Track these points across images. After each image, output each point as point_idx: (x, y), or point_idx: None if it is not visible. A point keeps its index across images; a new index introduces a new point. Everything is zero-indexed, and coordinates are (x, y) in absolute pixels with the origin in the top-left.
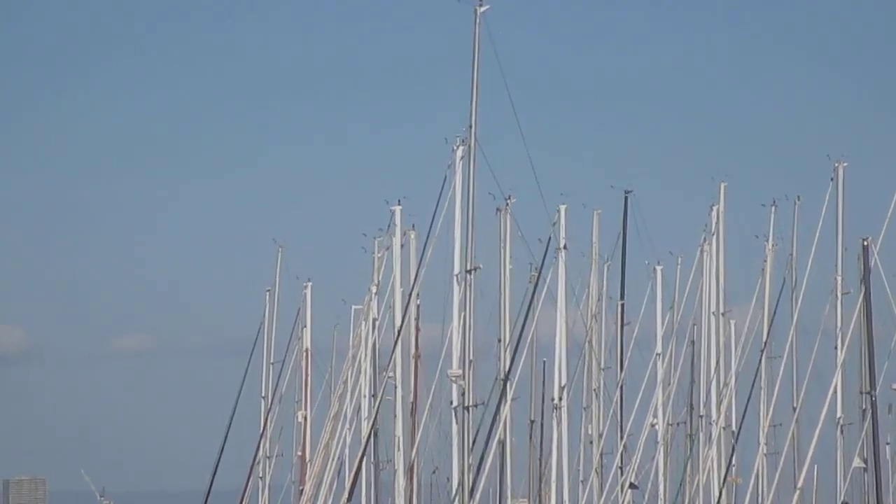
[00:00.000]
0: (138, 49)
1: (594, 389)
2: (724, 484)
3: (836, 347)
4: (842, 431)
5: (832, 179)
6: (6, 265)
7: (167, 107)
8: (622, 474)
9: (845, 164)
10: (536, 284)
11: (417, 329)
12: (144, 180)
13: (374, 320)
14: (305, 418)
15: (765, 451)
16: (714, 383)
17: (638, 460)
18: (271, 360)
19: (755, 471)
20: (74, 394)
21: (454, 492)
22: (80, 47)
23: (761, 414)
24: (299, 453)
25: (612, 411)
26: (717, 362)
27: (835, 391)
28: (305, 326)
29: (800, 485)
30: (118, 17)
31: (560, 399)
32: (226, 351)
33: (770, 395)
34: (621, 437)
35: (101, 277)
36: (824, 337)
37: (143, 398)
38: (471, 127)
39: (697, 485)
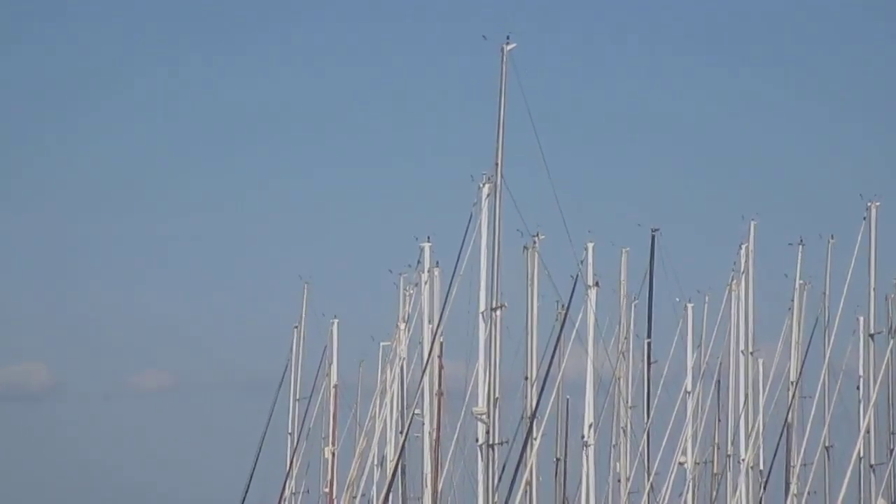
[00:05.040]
0: (149, 73)
1: (622, 428)
2: None
3: (857, 388)
4: (874, 471)
5: (864, 219)
6: (27, 302)
7: (181, 135)
8: None
9: (878, 204)
10: (564, 322)
11: (441, 366)
12: (160, 212)
13: (403, 357)
14: (333, 454)
15: (795, 492)
16: (743, 422)
17: (667, 499)
18: (297, 397)
19: None
20: (97, 431)
21: None
22: (90, 70)
23: (792, 453)
24: (326, 490)
25: (639, 450)
26: (746, 401)
27: (863, 430)
28: (332, 363)
29: None
30: (125, 40)
31: (589, 437)
32: (246, 388)
33: (801, 434)
34: (648, 476)
35: (117, 313)
36: (854, 377)
37: (165, 435)
38: (497, 164)
39: None
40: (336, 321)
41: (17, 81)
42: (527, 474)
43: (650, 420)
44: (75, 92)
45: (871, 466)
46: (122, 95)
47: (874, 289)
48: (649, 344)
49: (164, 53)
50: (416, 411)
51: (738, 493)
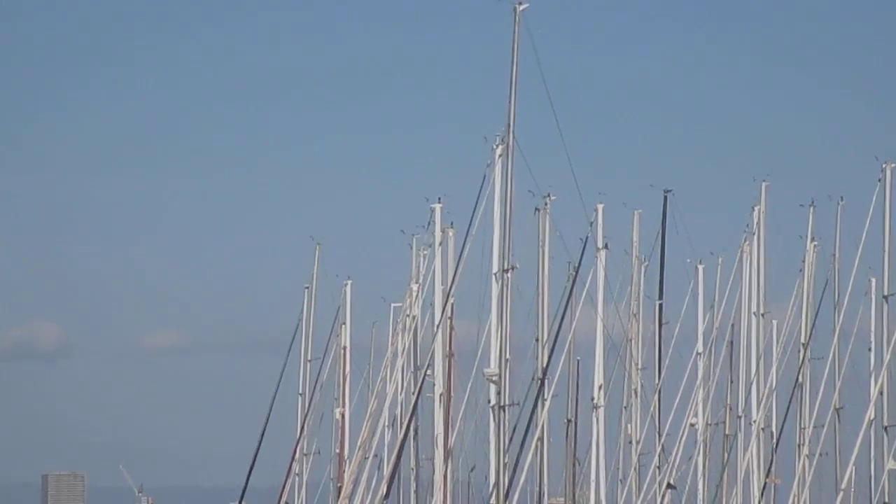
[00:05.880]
0: (166, 36)
1: (633, 389)
2: (764, 486)
3: (869, 349)
4: (886, 432)
5: (879, 181)
6: (36, 262)
7: (198, 99)
8: (660, 474)
9: (893, 166)
10: (574, 283)
11: (451, 328)
12: (174, 173)
13: (415, 317)
14: (343, 415)
15: (807, 453)
16: (755, 384)
17: (677, 460)
18: (309, 358)
19: (799, 472)
20: (109, 390)
21: (490, 490)
22: (105, 30)
23: (805, 415)
24: (337, 450)
25: (650, 411)
26: (758, 363)
27: (877, 392)
28: (344, 324)
29: (843, 486)
30: (137, 8)
31: (599, 398)
32: (257, 348)
33: (814, 396)
34: (659, 437)
35: (128, 273)
36: (865, 338)
37: (177, 394)
38: (509, 125)
39: (736, 485)
40: (349, 282)
41: (29, 41)
42: (538, 433)
43: (661, 381)
44: (92, 52)
45: (884, 428)
46: (138, 57)
47: (888, 250)
48: (661, 305)
49: (184, 16)
50: (428, 372)
51: (749, 454)
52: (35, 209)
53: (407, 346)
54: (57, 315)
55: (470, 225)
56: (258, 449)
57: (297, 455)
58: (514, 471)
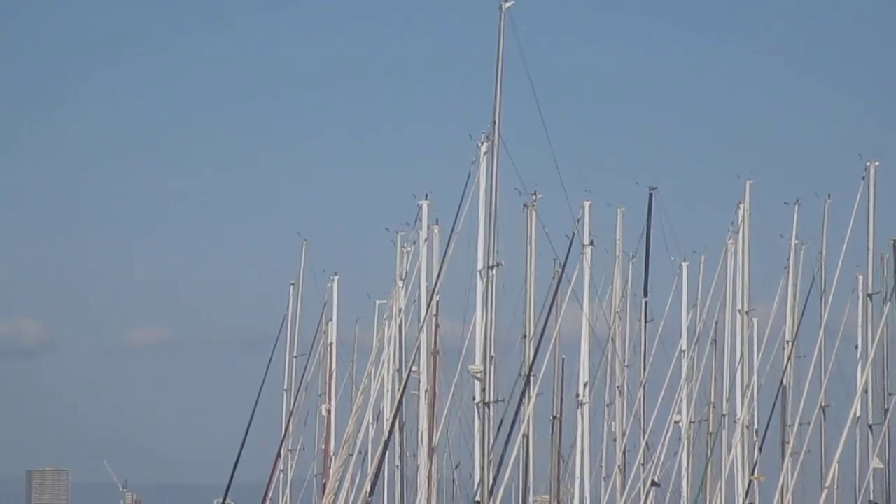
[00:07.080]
0: (160, 36)
1: (618, 387)
2: (749, 483)
3: (855, 347)
4: (871, 431)
5: (863, 178)
6: (20, 258)
7: (186, 98)
8: (644, 471)
9: (877, 163)
10: (560, 280)
11: (437, 325)
12: (161, 173)
13: (400, 311)
14: (329, 412)
15: (791, 451)
16: (739, 381)
17: (662, 458)
18: (294, 354)
19: (783, 470)
20: (93, 386)
21: (475, 487)
22: (104, 26)
23: (790, 412)
24: (323, 447)
25: (634, 408)
26: (742, 361)
27: (861, 390)
28: (331, 320)
29: (827, 484)
30: (138, 8)
31: (584, 395)
32: (242, 344)
33: (798, 394)
34: (644, 435)
35: (114, 271)
36: (850, 337)
37: (161, 391)
38: (494, 122)
39: (720, 483)
40: (336, 278)
41: (31, 38)
42: (523, 429)
43: (645, 378)
44: (86, 49)
45: (869, 426)
46: (131, 57)
47: (873, 248)
48: (646, 303)
49: (178, 16)
50: (413, 369)
51: (732, 452)
52: (19, 207)
53: (392, 342)
54: (40, 311)
55: (455, 222)
56: (243, 445)
57: (282, 451)
58: (499, 468)
